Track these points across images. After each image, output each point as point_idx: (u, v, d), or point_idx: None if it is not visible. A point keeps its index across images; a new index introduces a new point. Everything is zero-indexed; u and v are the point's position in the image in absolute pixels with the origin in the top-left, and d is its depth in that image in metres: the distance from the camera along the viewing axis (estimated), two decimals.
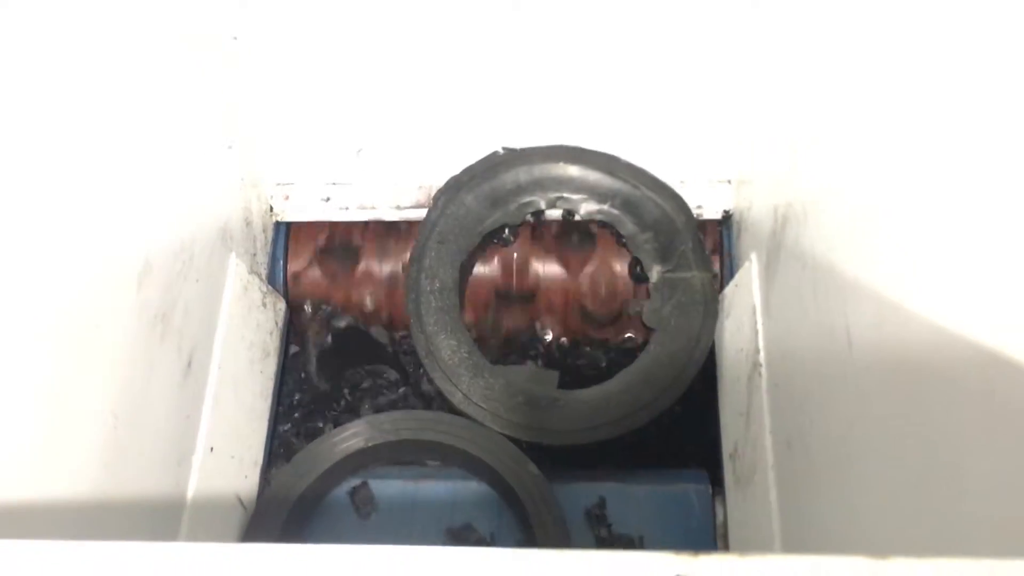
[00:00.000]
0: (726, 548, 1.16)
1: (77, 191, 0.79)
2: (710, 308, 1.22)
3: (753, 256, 1.13)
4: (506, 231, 1.29)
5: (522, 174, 1.25)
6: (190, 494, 1.03)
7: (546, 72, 1.16)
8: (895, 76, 0.72)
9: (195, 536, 1.02)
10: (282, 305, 1.31)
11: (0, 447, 0.69)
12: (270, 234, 1.32)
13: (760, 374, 1.06)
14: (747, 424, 1.09)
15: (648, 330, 1.25)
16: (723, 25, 1.09)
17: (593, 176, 1.25)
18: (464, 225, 1.25)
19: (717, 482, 1.19)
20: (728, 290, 1.23)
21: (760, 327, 1.08)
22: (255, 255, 1.27)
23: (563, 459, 1.20)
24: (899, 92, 0.71)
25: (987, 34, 0.59)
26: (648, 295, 1.25)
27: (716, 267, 1.27)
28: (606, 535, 1.16)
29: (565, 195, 1.26)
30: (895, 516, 0.68)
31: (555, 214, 1.29)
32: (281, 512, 1.14)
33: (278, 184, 1.32)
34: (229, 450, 1.13)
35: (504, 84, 1.18)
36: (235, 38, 1.11)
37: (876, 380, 0.73)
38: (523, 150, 1.26)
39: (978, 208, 0.58)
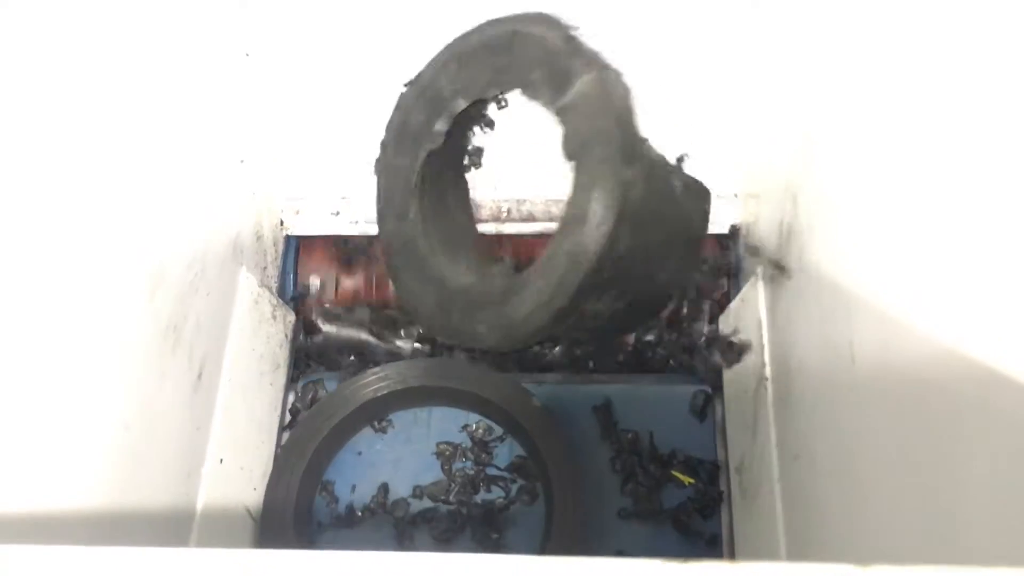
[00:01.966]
0: (731, 540, 1.17)
1: (91, 203, 0.81)
2: (619, 113, 0.95)
3: (759, 270, 1.14)
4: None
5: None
6: (199, 505, 1.04)
7: None
8: (901, 92, 0.72)
9: (204, 545, 1.03)
10: (291, 318, 1.33)
11: (12, 456, 0.70)
12: (280, 248, 1.34)
13: (766, 388, 1.06)
14: (753, 438, 1.10)
15: None
16: (729, 40, 1.10)
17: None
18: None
19: (716, 386, 1.25)
20: (734, 304, 1.23)
21: (766, 341, 1.08)
22: (265, 268, 1.28)
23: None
24: (906, 108, 0.72)
25: (998, 49, 0.59)
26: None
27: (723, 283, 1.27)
28: (612, 430, 1.23)
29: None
30: (899, 529, 0.69)
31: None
32: (300, 462, 1.18)
33: (289, 198, 1.34)
34: (238, 461, 1.14)
35: (510, 98, 1.18)
36: (247, 55, 1.13)
37: (879, 394, 0.73)
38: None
39: (980, 225, 0.59)
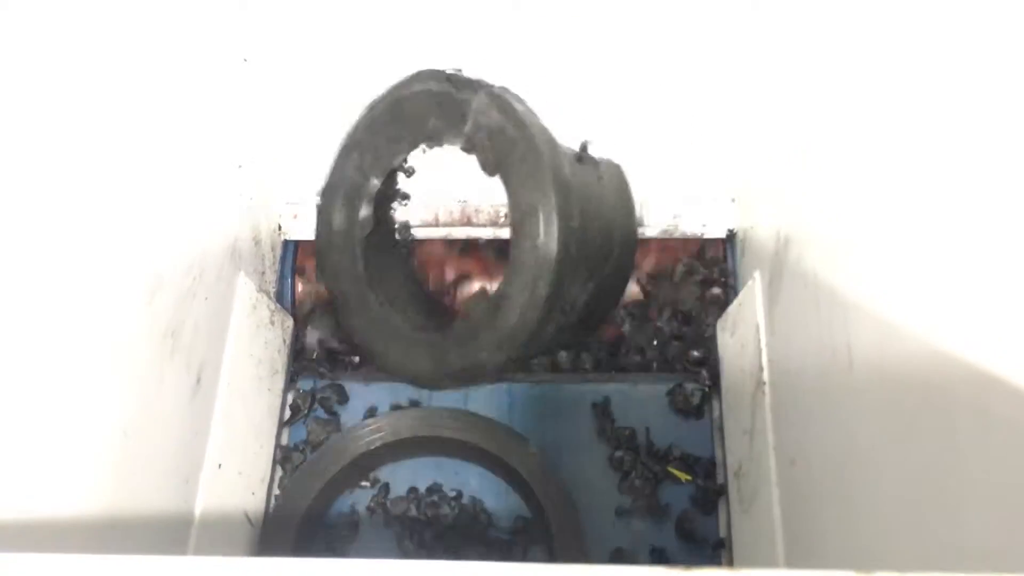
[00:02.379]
0: (729, 547, 1.17)
1: (90, 208, 0.81)
2: (516, 120, 1.02)
3: (756, 275, 1.14)
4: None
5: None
6: (198, 510, 1.04)
7: (551, 94, 1.17)
8: (898, 99, 0.73)
9: (202, 552, 1.03)
10: (290, 323, 1.33)
11: (11, 461, 0.70)
12: (278, 252, 1.34)
13: (764, 392, 1.06)
14: (751, 442, 1.10)
15: None
16: (728, 47, 1.10)
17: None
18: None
19: (714, 383, 1.26)
20: (732, 308, 1.23)
21: (764, 345, 1.08)
22: (264, 273, 1.28)
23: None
24: (902, 115, 0.72)
25: (991, 57, 0.60)
26: None
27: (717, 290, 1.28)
28: (609, 427, 1.24)
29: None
30: (897, 532, 0.69)
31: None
32: (292, 524, 1.16)
33: (287, 203, 1.34)
34: (237, 467, 1.14)
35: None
36: (245, 60, 1.13)
37: (876, 398, 0.73)
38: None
39: (976, 231, 0.59)
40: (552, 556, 1.15)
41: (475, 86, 1.05)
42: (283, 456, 1.26)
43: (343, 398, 1.29)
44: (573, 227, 1.01)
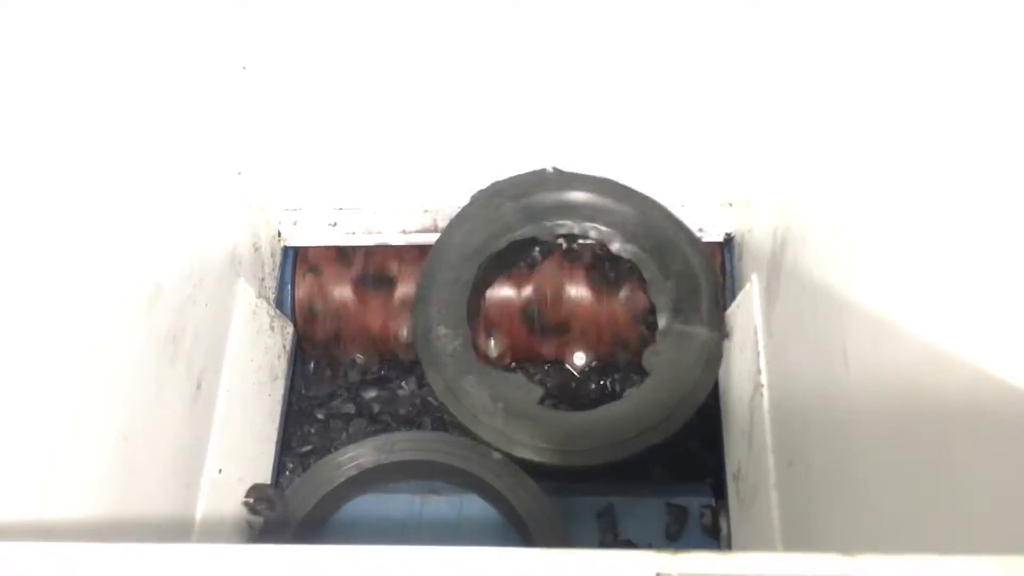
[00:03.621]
0: None
1: (89, 215, 0.81)
2: (710, 365, 1.20)
3: (754, 277, 1.15)
4: (536, 249, 1.29)
5: (564, 196, 1.26)
6: (198, 515, 1.04)
7: (548, 98, 1.18)
8: (893, 101, 0.73)
9: None
10: (290, 329, 1.33)
11: (11, 466, 0.70)
12: (278, 259, 1.34)
13: (762, 394, 1.07)
14: (750, 444, 1.10)
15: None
16: (725, 50, 1.11)
17: (631, 214, 1.26)
18: (493, 229, 1.25)
19: (721, 495, 1.20)
20: (730, 311, 1.24)
21: (761, 348, 1.09)
22: (263, 280, 1.29)
23: (572, 477, 1.21)
24: (896, 117, 0.72)
25: (989, 60, 0.60)
26: (655, 340, 1.24)
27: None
28: (611, 541, 1.17)
29: (599, 226, 1.26)
30: (894, 532, 0.69)
31: (584, 242, 1.30)
32: (286, 533, 1.15)
33: (286, 210, 1.34)
34: (237, 472, 1.14)
35: (506, 111, 1.20)
36: (244, 67, 1.14)
37: (873, 400, 0.74)
38: (572, 174, 1.27)
39: (972, 232, 0.60)
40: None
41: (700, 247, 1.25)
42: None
43: None
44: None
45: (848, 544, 0.79)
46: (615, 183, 1.27)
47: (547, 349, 1.33)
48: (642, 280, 1.26)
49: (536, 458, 1.16)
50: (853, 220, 0.81)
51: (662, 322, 1.24)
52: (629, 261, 1.27)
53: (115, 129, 0.86)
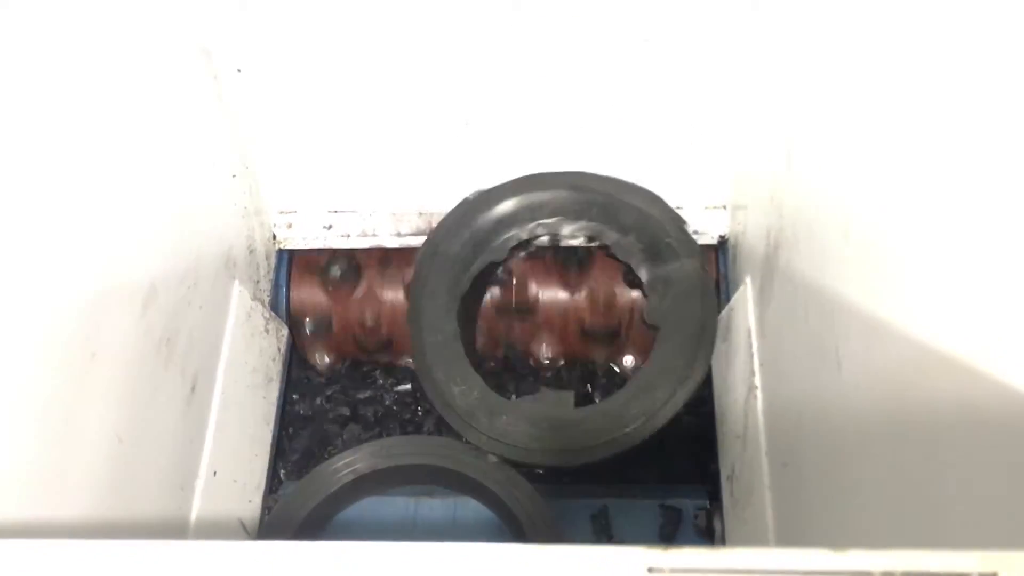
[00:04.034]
0: None
1: (83, 217, 0.81)
2: (707, 291, 1.22)
3: (748, 279, 1.15)
4: (498, 270, 1.32)
5: (496, 212, 1.27)
6: (193, 518, 1.04)
7: (542, 103, 1.18)
8: (883, 102, 0.74)
9: None
10: (284, 331, 1.33)
11: (6, 469, 0.70)
12: (273, 261, 1.34)
13: (756, 396, 1.07)
14: (744, 446, 1.10)
15: (650, 336, 1.26)
16: (717, 54, 1.11)
17: (563, 196, 1.26)
18: (453, 275, 1.26)
19: (715, 497, 1.21)
20: (724, 313, 1.24)
21: (755, 349, 1.09)
22: (258, 282, 1.29)
23: (577, 474, 1.23)
24: (888, 117, 0.73)
25: (981, 64, 0.60)
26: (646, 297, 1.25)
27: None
28: (605, 543, 1.17)
29: (542, 221, 1.27)
30: (888, 534, 0.69)
31: (541, 242, 1.31)
32: (285, 537, 1.15)
33: (281, 212, 1.34)
34: (232, 475, 1.14)
35: (502, 115, 1.20)
36: (239, 70, 1.14)
37: (865, 401, 0.74)
38: (492, 189, 1.28)
39: (965, 233, 0.60)
40: None
41: (691, 246, 1.25)
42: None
43: None
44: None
45: (841, 544, 0.79)
46: (535, 176, 1.27)
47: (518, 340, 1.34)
48: (606, 248, 1.28)
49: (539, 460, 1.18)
50: (844, 221, 0.81)
51: (644, 276, 1.25)
52: (589, 237, 1.28)
53: (109, 131, 0.86)
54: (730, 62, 1.11)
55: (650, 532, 1.17)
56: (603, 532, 1.18)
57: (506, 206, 1.27)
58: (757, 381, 1.07)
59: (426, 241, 1.28)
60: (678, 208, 1.29)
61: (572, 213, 1.26)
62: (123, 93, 0.89)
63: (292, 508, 1.17)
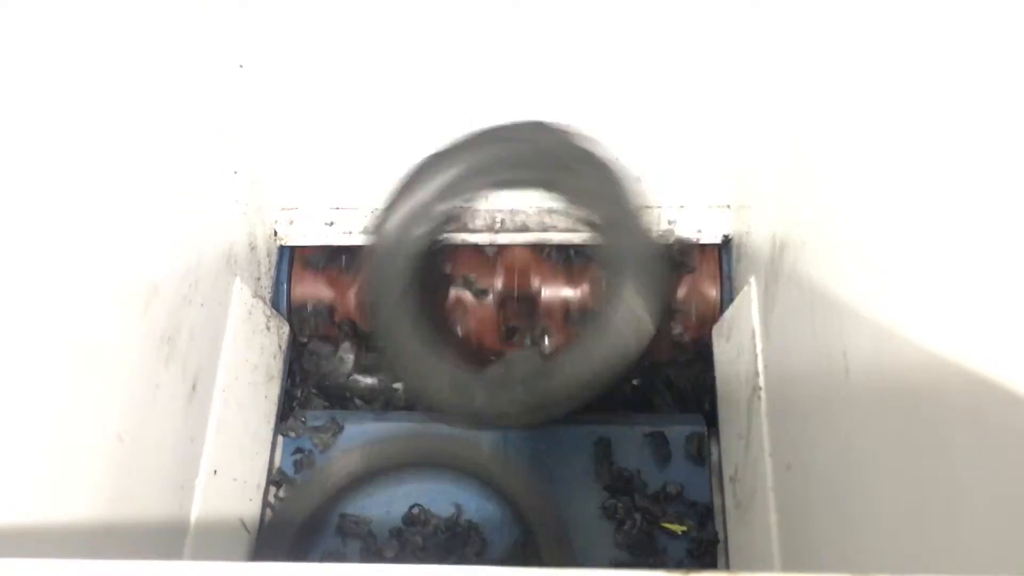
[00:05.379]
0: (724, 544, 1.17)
1: (85, 215, 0.81)
2: (647, 230, 1.18)
3: (752, 280, 1.14)
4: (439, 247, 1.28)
5: (425, 194, 1.21)
6: (193, 516, 1.03)
7: (543, 101, 1.17)
8: (892, 107, 0.73)
9: (198, 558, 1.03)
10: (286, 329, 1.32)
11: (6, 469, 0.70)
12: (274, 258, 1.34)
13: (759, 397, 1.07)
14: (747, 447, 1.10)
15: None
16: (723, 52, 1.11)
17: (479, 157, 1.19)
18: (401, 262, 1.22)
19: (712, 423, 1.26)
20: (728, 313, 1.23)
21: (759, 351, 1.09)
22: (259, 279, 1.28)
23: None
24: (897, 122, 0.72)
25: (987, 65, 0.60)
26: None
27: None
28: (606, 469, 1.22)
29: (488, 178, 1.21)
30: (892, 536, 0.69)
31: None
32: (288, 533, 1.15)
33: (282, 209, 1.34)
34: (232, 472, 1.13)
35: (504, 113, 1.19)
36: (241, 66, 1.13)
37: (873, 404, 0.74)
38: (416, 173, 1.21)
39: (971, 236, 0.60)
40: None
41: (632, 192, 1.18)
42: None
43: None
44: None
45: (845, 550, 0.78)
46: (448, 150, 1.21)
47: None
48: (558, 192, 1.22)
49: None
50: (853, 223, 0.81)
51: (596, 219, 1.21)
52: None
53: (111, 129, 0.85)
54: (732, 60, 1.11)
55: (647, 457, 1.24)
56: (604, 459, 1.23)
57: (433, 187, 1.20)
58: (761, 382, 1.07)
59: (367, 245, 1.25)
60: (680, 207, 1.29)
61: (490, 173, 1.19)
62: (123, 92, 0.88)
63: (293, 507, 1.17)
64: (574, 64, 1.14)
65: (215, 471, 1.08)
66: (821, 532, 0.86)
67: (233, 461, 1.14)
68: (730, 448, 1.18)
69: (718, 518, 1.19)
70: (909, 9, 0.70)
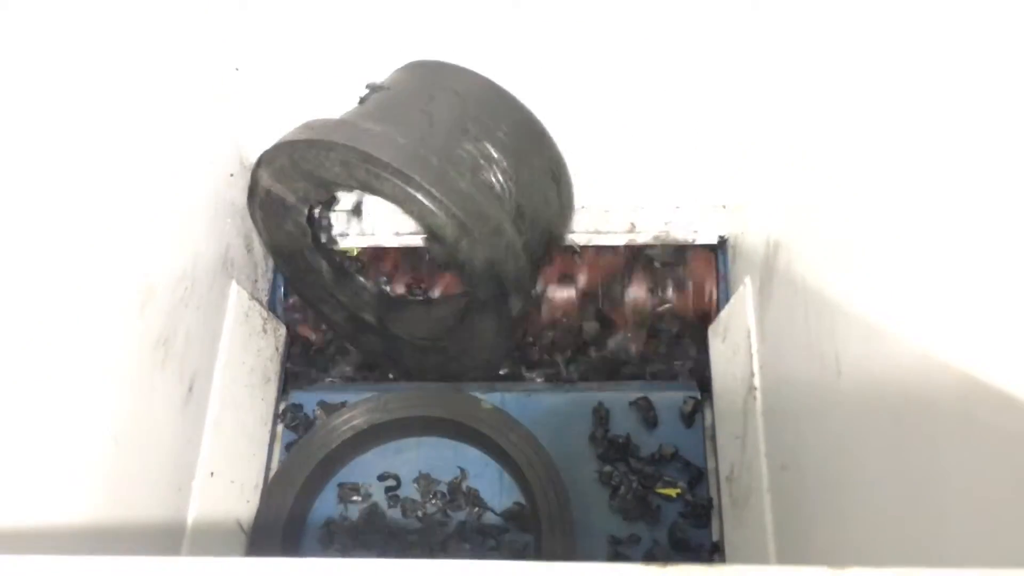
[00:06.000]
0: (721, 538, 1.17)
1: (81, 217, 0.81)
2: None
3: (747, 280, 1.15)
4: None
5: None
6: (190, 519, 1.04)
7: (541, 102, 1.17)
8: (887, 107, 0.73)
9: None
10: (282, 331, 1.33)
11: (2, 470, 0.70)
12: (271, 261, 1.34)
13: (755, 397, 1.07)
14: (743, 447, 1.10)
15: None
16: (719, 54, 1.11)
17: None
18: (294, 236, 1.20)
19: (705, 389, 1.28)
20: (723, 314, 1.24)
21: (755, 351, 1.09)
22: (256, 281, 1.29)
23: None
24: (891, 122, 0.73)
25: (984, 68, 0.60)
26: None
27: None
28: (602, 435, 1.24)
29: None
30: (885, 537, 0.69)
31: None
32: (287, 497, 1.17)
33: None
34: (229, 475, 1.14)
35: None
36: (237, 69, 1.13)
37: (864, 405, 0.74)
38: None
39: (964, 237, 0.60)
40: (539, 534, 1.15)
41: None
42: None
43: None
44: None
45: (840, 549, 0.79)
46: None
47: None
48: None
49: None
50: (847, 224, 0.81)
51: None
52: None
53: (108, 130, 0.86)
54: (730, 60, 1.11)
55: (639, 422, 1.26)
56: (600, 425, 1.25)
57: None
58: (756, 382, 1.07)
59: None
60: (676, 207, 1.29)
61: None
62: (120, 93, 0.88)
63: (293, 469, 1.18)
64: (571, 64, 1.14)
65: (212, 473, 1.08)
66: (816, 532, 0.87)
67: (230, 463, 1.14)
68: (726, 448, 1.19)
69: (711, 480, 1.21)
70: (905, 13, 0.70)
